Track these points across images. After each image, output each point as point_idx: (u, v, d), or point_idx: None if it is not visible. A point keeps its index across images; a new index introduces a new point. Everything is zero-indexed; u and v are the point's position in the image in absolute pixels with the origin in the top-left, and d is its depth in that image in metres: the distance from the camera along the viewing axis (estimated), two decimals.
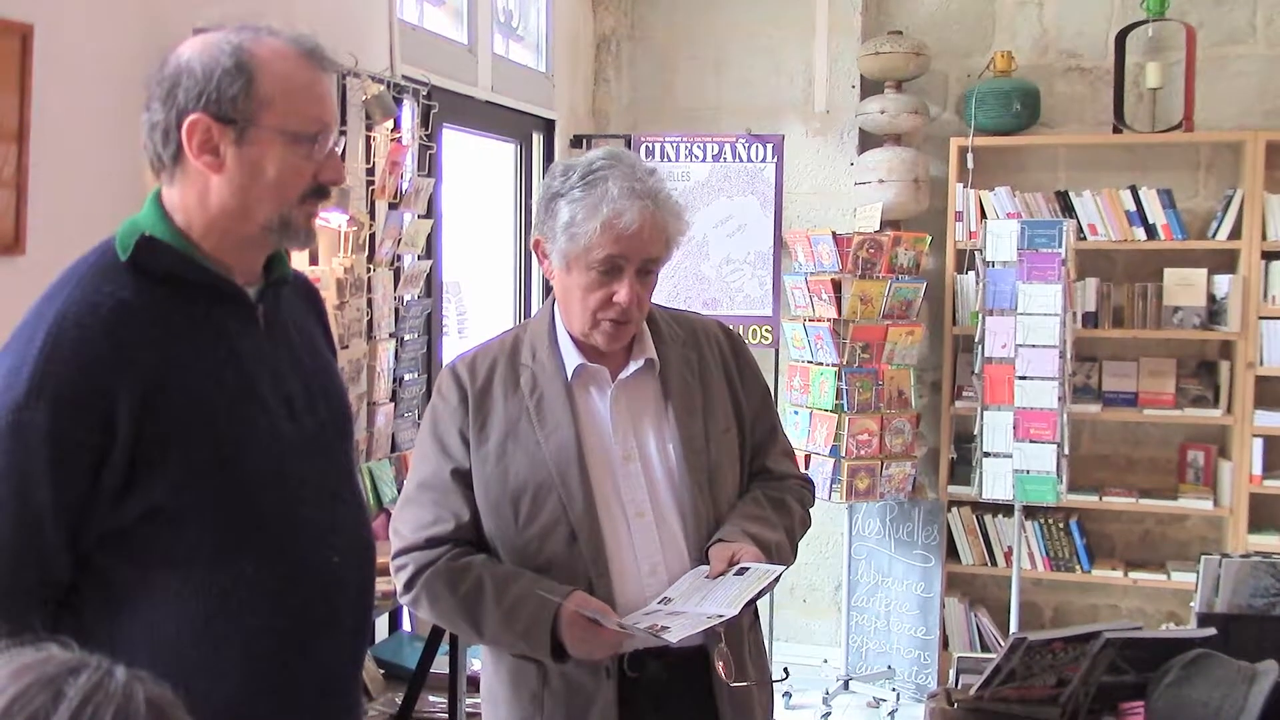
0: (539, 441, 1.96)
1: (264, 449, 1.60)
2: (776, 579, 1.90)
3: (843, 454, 4.72)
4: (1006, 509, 4.87)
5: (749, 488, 2.09)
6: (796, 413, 4.86)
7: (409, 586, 1.98)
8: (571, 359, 2.01)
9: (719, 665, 1.91)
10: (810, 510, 2.18)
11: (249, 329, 1.64)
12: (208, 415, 1.55)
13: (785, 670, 3.47)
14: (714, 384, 2.07)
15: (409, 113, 3.74)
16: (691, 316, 2.19)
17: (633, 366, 2.02)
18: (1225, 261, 4.86)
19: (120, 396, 1.48)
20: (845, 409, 4.73)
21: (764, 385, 2.18)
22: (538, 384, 2.00)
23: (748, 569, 1.87)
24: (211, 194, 1.58)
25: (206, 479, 1.55)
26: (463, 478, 1.98)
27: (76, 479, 1.48)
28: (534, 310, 4.88)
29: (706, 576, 1.89)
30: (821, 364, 4.80)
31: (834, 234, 4.74)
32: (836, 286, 4.74)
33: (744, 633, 2.03)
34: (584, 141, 5.15)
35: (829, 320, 4.76)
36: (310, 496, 1.66)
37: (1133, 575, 4.94)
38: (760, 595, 1.86)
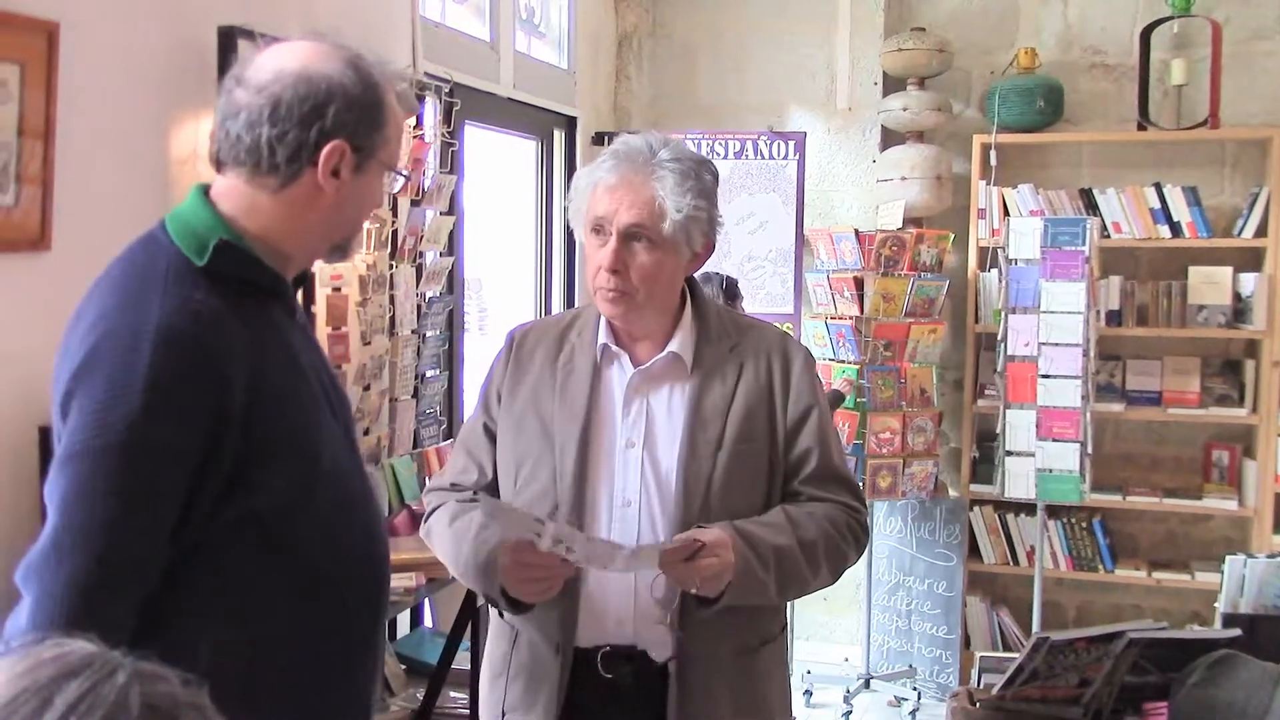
0: (554, 414, 2.00)
1: (330, 445, 1.63)
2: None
3: (865, 452, 4.71)
4: (1029, 508, 4.85)
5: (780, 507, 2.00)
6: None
7: (425, 519, 2.09)
8: (602, 339, 2.03)
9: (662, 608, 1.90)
10: (851, 536, 2.01)
11: (292, 326, 1.67)
12: (291, 415, 1.57)
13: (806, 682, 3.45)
14: (748, 395, 2.00)
15: (431, 110, 3.75)
16: (755, 324, 2.14)
17: (657, 357, 2.02)
18: (1251, 259, 4.82)
19: (227, 403, 1.49)
20: (868, 407, 4.72)
21: (809, 406, 2.02)
22: (572, 359, 2.04)
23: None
24: (312, 210, 1.60)
25: (298, 478, 1.57)
26: (491, 434, 2.07)
27: (184, 489, 1.48)
28: (555, 306, 4.89)
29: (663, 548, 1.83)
30: (843, 362, 4.79)
31: (856, 231, 4.73)
32: (859, 284, 4.73)
33: (721, 656, 1.96)
34: (605, 139, 5.14)
35: (851, 318, 4.75)
36: (358, 490, 1.69)
37: (1156, 575, 4.91)
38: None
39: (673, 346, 2.01)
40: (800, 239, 4.96)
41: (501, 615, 2.02)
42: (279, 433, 1.55)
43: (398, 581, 2.91)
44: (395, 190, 1.74)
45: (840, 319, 4.81)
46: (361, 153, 1.60)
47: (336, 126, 1.56)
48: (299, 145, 1.56)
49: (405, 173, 1.72)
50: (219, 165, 1.62)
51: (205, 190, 1.63)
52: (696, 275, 2.12)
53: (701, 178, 1.97)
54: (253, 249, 1.59)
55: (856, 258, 4.72)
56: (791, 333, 4.93)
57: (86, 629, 1.26)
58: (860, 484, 4.61)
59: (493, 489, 2.05)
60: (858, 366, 4.72)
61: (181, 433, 1.46)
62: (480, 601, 2.83)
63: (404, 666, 3.49)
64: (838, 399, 4.54)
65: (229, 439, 1.49)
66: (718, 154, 4.98)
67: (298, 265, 1.68)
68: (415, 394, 3.74)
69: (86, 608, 1.41)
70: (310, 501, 1.58)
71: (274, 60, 1.59)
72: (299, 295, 1.79)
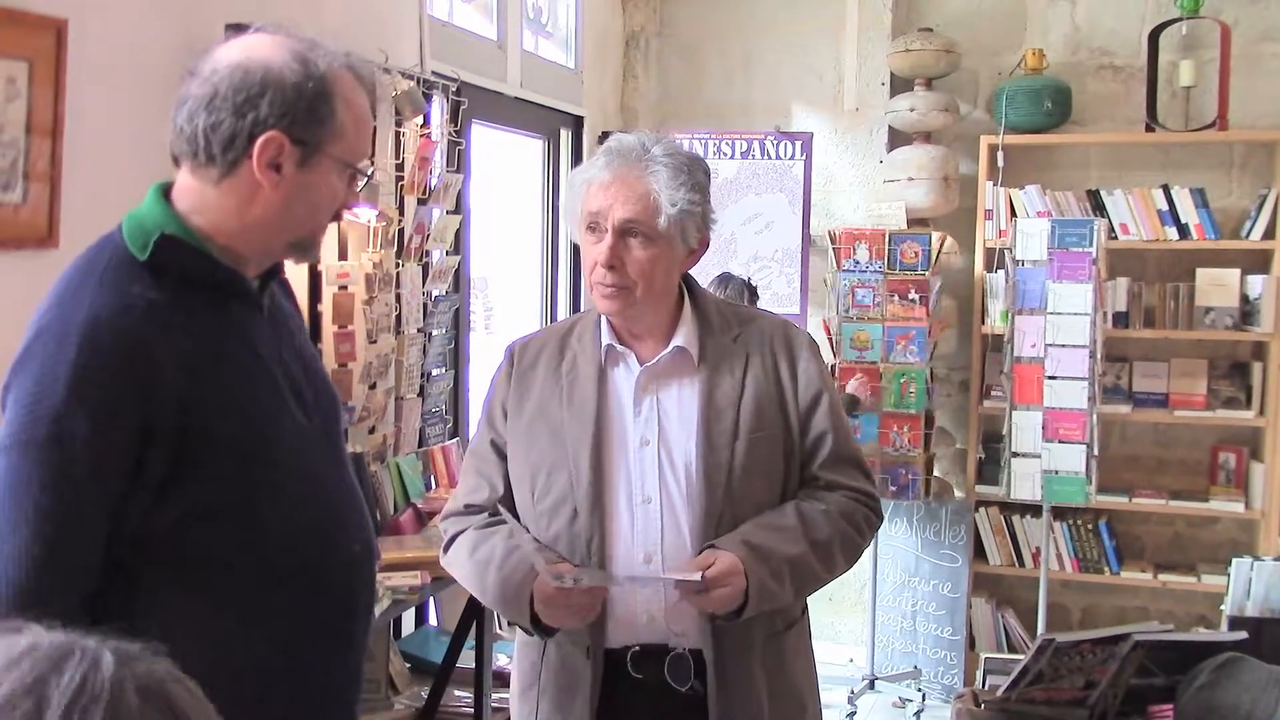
0: (563, 420, 2.00)
1: (290, 442, 1.61)
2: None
3: (929, 453, 4.79)
4: (1035, 509, 4.84)
5: (798, 496, 2.03)
6: (856, 417, 4.75)
7: (446, 549, 2.09)
8: (606, 340, 2.04)
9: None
10: (866, 525, 2.05)
11: (258, 323, 1.65)
12: (241, 412, 1.56)
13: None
14: (759, 383, 2.02)
15: (438, 108, 3.75)
16: (757, 314, 2.16)
17: (662, 353, 2.02)
18: (1259, 261, 4.81)
19: (159, 398, 1.47)
20: (933, 408, 4.77)
21: (820, 390, 2.05)
22: (576, 364, 2.04)
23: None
24: (256, 205, 1.57)
25: (245, 476, 1.55)
26: (499, 450, 2.07)
27: (118, 483, 1.46)
28: (560, 306, 4.89)
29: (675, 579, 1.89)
30: (908, 364, 4.76)
31: (930, 234, 4.74)
32: (924, 286, 4.74)
33: (753, 641, 2.00)
34: None
35: (921, 320, 4.75)
36: (330, 487, 1.68)
37: (1162, 577, 4.90)
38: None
39: (677, 341, 2.02)
40: (806, 239, 4.95)
41: (530, 634, 2.02)
42: (225, 429, 1.52)
43: (402, 580, 2.91)
44: (360, 189, 1.68)
45: (901, 320, 4.77)
46: (306, 146, 1.55)
47: (272, 117, 1.53)
48: (232, 135, 1.54)
49: (369, 171, 1.67)
50: (175, 160, 1.61)
51: (165, 189, 1.62)
52: (715, 277, 2.14)
53: (695, 173, 1.98)
54: (204, 245, 1.57)
55: (922, 259, 4.72)
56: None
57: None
58: (929, 483, 4.70)
59: (506, 503, 2.05)
60: (925, 369, 4.73)
61: (110, 425, 1.44)
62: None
63: (408, 665, 3.49)
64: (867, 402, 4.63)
65: (164, 433, 1.47)
66: (724, 154, 4.98)
67: (258, 264, 1.64)
68: (421, 392, 3.75)
69: (23, 604, 1.40)
70: (271, 499, 1.57)
71: (222, 52, 1.58)
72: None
